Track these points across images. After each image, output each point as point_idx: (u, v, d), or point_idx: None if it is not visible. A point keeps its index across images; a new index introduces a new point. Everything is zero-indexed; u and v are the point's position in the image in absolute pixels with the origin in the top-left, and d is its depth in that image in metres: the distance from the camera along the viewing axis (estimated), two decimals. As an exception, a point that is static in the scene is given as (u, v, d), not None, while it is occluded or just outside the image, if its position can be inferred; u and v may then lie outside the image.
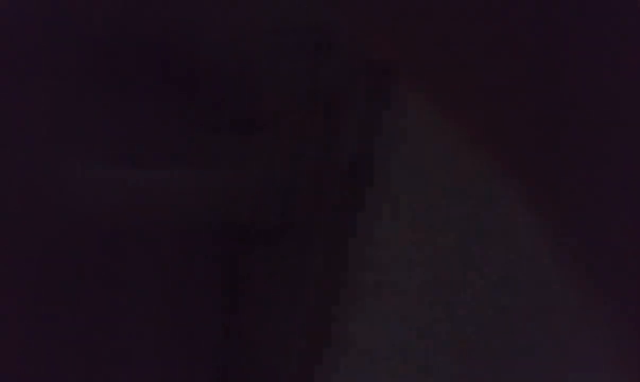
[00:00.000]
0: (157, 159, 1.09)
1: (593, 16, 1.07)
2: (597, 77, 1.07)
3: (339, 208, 1.13)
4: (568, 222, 1.07)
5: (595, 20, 1.08)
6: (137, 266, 1.10)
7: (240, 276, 1.12)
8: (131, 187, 1.06)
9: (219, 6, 1.16)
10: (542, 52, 1.08)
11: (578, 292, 1.04)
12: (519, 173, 1.08)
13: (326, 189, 1.12)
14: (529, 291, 1.11)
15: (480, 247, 1.12)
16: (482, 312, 1.10)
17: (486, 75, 1.09)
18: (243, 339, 1.12)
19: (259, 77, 1.15)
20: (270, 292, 1.12)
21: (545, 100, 1.08)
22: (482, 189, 1.11)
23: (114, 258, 1.10)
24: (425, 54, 1.09)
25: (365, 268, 1.13)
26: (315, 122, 1.15)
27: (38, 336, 1.09)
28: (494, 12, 1.09)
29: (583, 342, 1.07)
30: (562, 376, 1.06)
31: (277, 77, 1.15)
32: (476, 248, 1.12)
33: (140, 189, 1.05)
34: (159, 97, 1.16)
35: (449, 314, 1.11)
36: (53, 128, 1.12)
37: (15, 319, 1.08)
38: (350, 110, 1.13)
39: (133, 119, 1.15)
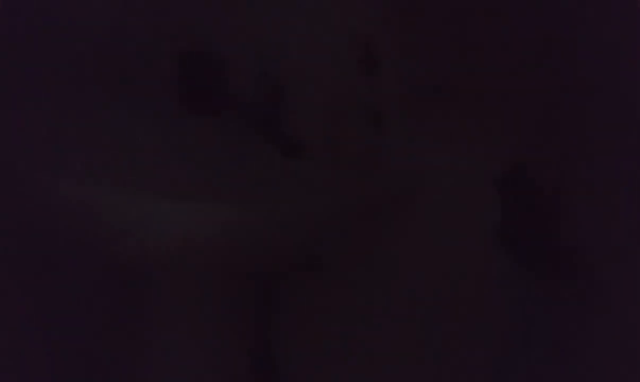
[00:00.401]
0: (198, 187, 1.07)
1: (593, 16, 1.07)
2: (596, 76, 1.08)
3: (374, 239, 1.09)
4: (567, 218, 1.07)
5: (595, 20, 1.08)
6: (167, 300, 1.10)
7: (274, 308, 1.11)
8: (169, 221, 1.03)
9: (258, 18, 1.13)
10: (542, 51, 1.08)
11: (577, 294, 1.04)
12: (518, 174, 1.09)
13: (365, 219, 1.08)
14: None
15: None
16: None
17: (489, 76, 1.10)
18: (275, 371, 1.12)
19: (302, 93, 1.10)
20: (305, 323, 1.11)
21: (546, 99, 1.08)
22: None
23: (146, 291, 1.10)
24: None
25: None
26: (362, 145, 1.10)
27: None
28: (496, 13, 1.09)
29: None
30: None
31: (321, 93, 1.11)
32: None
33: (174, 223, 1.03)
34: (200, 116, 1.14)
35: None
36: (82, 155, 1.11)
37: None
38: (397, 134, 1.09)
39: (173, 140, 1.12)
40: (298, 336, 1.11)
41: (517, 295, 1.05)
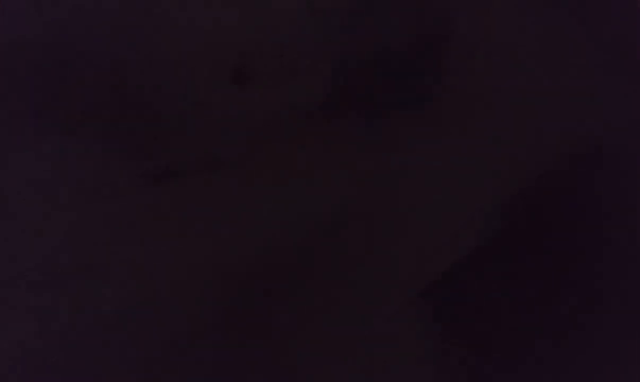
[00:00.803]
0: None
1: (593, 16, 1.07)
2: (596, 76, 1.08)
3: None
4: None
5: (595, 20, 1.08)
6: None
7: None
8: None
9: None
10: (543, 52, 1.08)
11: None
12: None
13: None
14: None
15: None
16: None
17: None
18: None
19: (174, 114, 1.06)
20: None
21: (545, 101, 1.08)
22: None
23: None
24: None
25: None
26: (253, 168, 1.09)
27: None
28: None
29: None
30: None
31: (192, 112, 1.07)
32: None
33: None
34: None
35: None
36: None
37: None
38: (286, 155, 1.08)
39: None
40: (298, 335, 1.11)
41: (517, 294, 1.05)
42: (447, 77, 1.09)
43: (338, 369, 1.10)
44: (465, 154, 1.08)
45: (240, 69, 1.05)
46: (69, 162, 1.07)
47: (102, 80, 1.09)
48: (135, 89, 1.08)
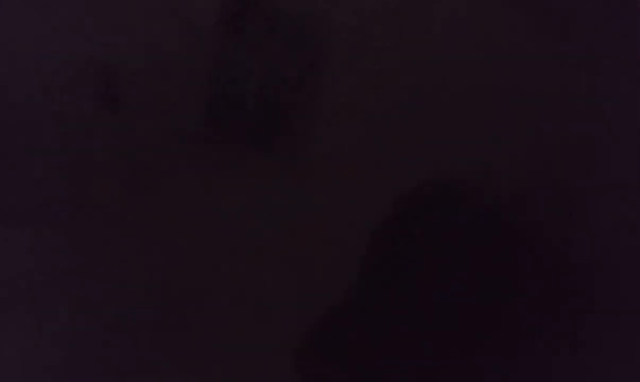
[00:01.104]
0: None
1: (593, 16, 1.07)
2: (596, 77, 1.08)
3: None
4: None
5: (596, 19, 1.08)
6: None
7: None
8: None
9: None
10: (541, 52, 1.08)
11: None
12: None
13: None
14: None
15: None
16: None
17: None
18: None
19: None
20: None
21: (545, 101, 1.08)
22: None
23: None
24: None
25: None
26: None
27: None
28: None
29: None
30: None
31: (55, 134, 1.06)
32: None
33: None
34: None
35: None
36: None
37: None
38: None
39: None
40: (298, 335, 1.11)
41: (517, 294, 1.05)
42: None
43: (337, 369, 1.10)
44: (464, 155, 1.08)
45: (106, 89, 1.02)
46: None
47: None
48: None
